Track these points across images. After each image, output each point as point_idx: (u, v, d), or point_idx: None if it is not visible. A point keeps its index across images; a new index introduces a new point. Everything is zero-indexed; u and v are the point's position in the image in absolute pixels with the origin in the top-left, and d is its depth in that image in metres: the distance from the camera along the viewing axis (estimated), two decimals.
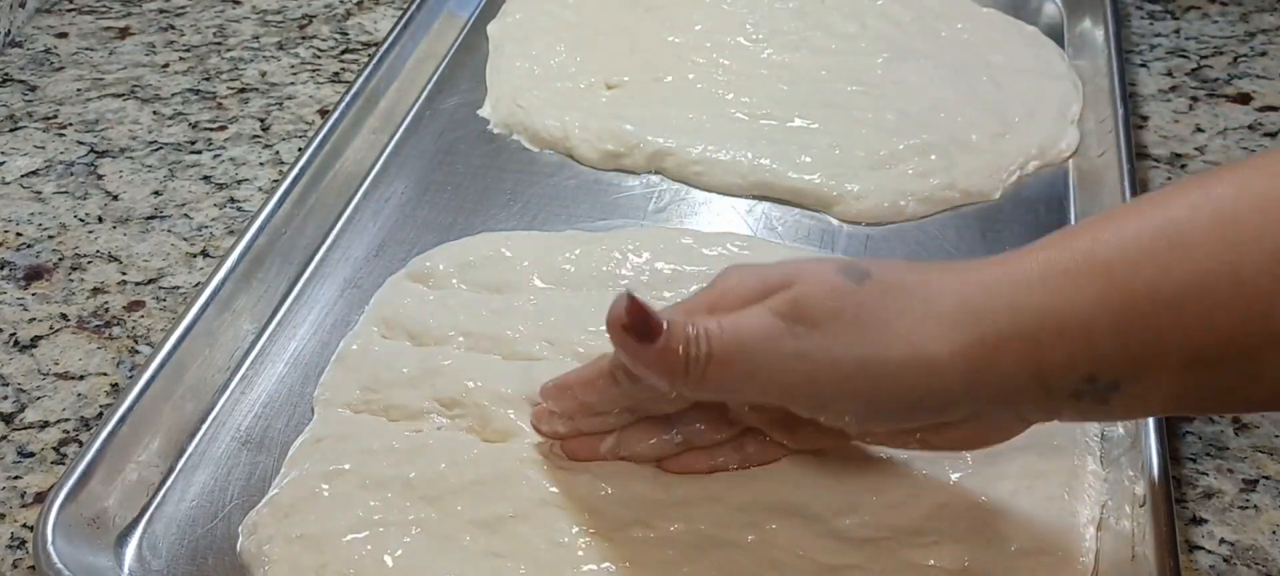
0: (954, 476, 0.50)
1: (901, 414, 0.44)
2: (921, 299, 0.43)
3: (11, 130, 0.77)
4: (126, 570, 0.49)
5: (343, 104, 0.71)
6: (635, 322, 0.43)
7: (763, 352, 0.43)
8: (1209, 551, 0.50)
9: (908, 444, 0.47)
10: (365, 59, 0.80)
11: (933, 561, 0.47)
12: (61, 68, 0.83)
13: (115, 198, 0.71)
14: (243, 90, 0.81)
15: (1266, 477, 0.53)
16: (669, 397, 0.48)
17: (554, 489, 0.50)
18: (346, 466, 0.51)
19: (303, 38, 0.87)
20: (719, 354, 0.43)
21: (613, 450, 0.50)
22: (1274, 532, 0.51)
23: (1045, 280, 0.41)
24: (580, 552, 0.48)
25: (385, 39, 0.78)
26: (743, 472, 0.50)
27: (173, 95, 0.80)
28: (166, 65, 0.84)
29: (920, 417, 0.44)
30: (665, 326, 0.43)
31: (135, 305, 0.63)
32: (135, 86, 0.81)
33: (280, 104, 0.79)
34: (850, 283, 0.43)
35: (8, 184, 0.72)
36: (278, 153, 0.75)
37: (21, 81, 0.82)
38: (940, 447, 0.47)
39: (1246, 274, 0.39)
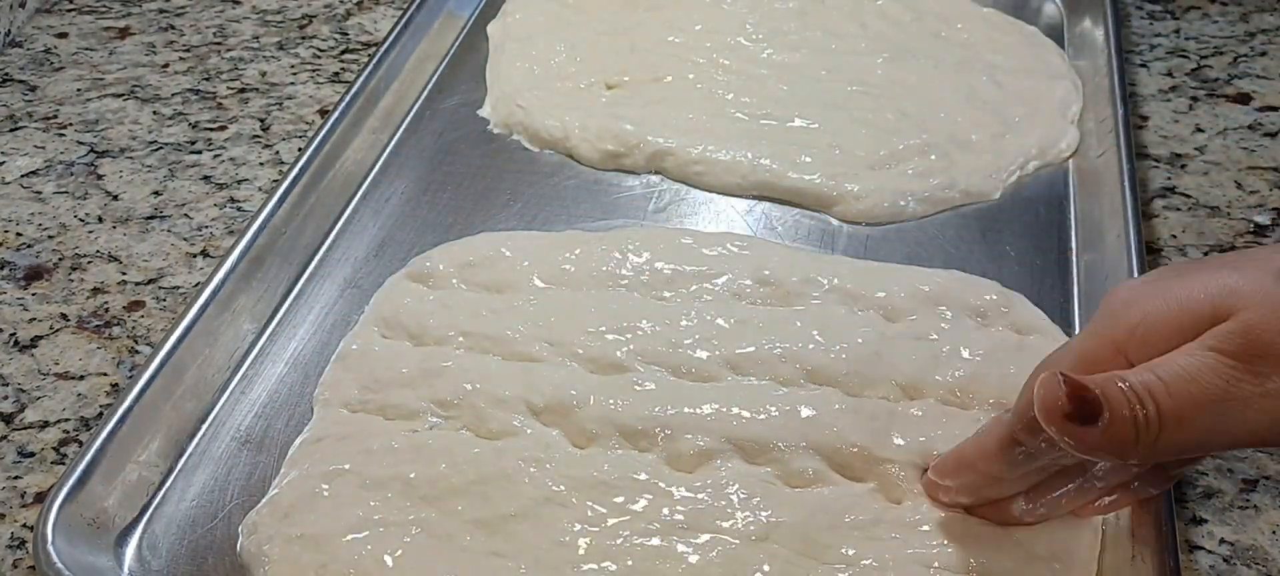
0: None
1: None
2: None
3: (11, 130, 0.77)
4: (126, 570, 0.49)
5: (343, 104, 0.71)
6: (1077, 407, 0.39)
7: (1224, 405, 0.38)
8: (1209, 551, 0.50)
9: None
10: (365, 59, 0.80)
11: (938, 563, 0.47)
12: (61, 68, 0.83)
13: (115, 198, 0.71)
14: (243, 90, 0.81)
15: (1266, 477, 0.53)
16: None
17: (555, 488, 0.50)
18: (346, 466, 0.51)
19: (303, 38, 0.87)
20: (1171, 417, 0.38)
21: (1028, 514, 0.47)
22: (1274, 532, 0.51)
23: None
24: (580, 552, 0.48)
25: (385, 39, 0.78)
26: (766, 493, 0.50)
27: (173, 95, 0.80)
28: (166, 65, 0.84)
29: None
30: (1103, 400, 0.39)
31: (135, 305, 0.63)
32: (135, 86, 0.81)
33: (280, 104, 0.79)
34: None
35: (8, 184, 0.72)
36: (278, 153, 0.75)
37: (21, 81, 0.82)
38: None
39: None
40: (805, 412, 0.52)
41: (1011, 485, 0.47)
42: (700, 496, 0.50)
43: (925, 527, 0.49)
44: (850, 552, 0.48)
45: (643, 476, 0.50)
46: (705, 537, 0.48)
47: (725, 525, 0.49)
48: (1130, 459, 0.40)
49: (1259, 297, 0.38)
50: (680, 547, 0.48)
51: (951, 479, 0.48)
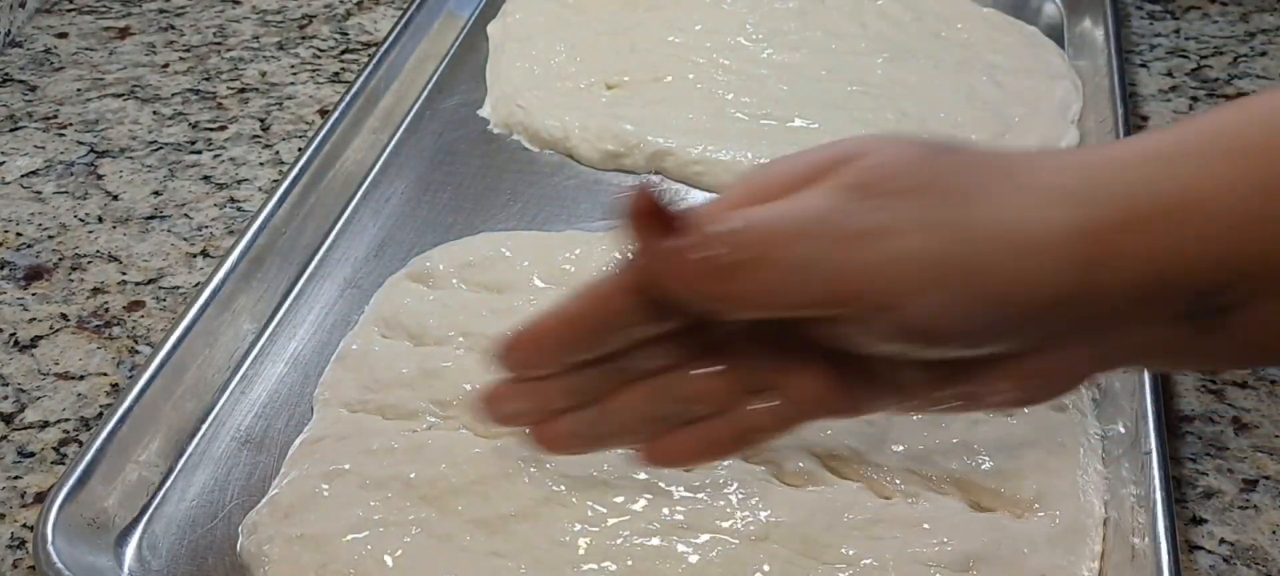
0: (981, 468, 0.51)
1: (991, 316, 0.34)
2: (1021, 172, 0.35)
3: (11, 130, 0.77)
4: (126, 570, 0.49)
5: (343, 104, 0.71)
6: (650, 210, 0.35)
7: (823, 236, 0.34)
8: (1209, 551, 0.50)
9: (954, 397, 0.38)
10: (365, 59, 0.80)
11: (938, 561, 0.47)
12: (61, 68, 0.83)
13: (115, 198, 0.71)
14: (243, 90, 0.81)
15: (1266, 477, 0.53)
16: (661, 342, 0.38)
17: (555, 488, 0.50)
18: (346, 466, 0.51)
19: (303, 38, 0.87)
20: (768, 240, 0.34)
21: (585, 430, 0.39)
22: (1274, 532, 0.51)
23: (1171, 158, 0.34)
24: (580, 552, 0.48)
25: (385, 39, 0.78)
26: (765, 492, 0.50)
27: (173, 95, 0.80)
28: (166, 65, 0.84)
29: (1008, 328, 0.35)
30: (694, 217, 0.34)
31: (135, 305, 0.63)
32: (135, 86, 0.81)
33: (280, 104, 0.79)
34: (929, 150, 0.35)
35: (8, 184, 0.72)
36: (278, 153, 0.75)
37: (21, 81, 0.82)
38: (989, 401, 0.38)
39: None
40: None
41: (575, 385, 0.39)
42: (699, 496, 0.50)
43: (927, 526, 0.49)
44: (850, 552, 0.48)
45: (642, 476, 0.50)
46: (705, 537, 0.48)
47: (724, 525, 0.49)
48: (719, 288, 0.35)
49: (887, 147, 0.36)
50: (680, 547, 0.48)
51: (522, 361, 0.39)
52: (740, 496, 0.49)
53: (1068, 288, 0.34)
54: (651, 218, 0.35)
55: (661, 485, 0.50)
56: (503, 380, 0.40)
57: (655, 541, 0.48)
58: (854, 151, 0.36)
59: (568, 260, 0.61)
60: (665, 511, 0.49)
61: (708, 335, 0.38)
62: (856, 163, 0.35)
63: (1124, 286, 0.34)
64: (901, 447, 0.51)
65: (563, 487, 0.50)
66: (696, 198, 0.69)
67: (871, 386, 0.38)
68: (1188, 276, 0.34)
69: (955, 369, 0.36)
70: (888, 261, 0.34)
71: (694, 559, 0.47)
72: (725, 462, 0.51)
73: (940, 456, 0.51)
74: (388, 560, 0.47)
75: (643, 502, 0.49)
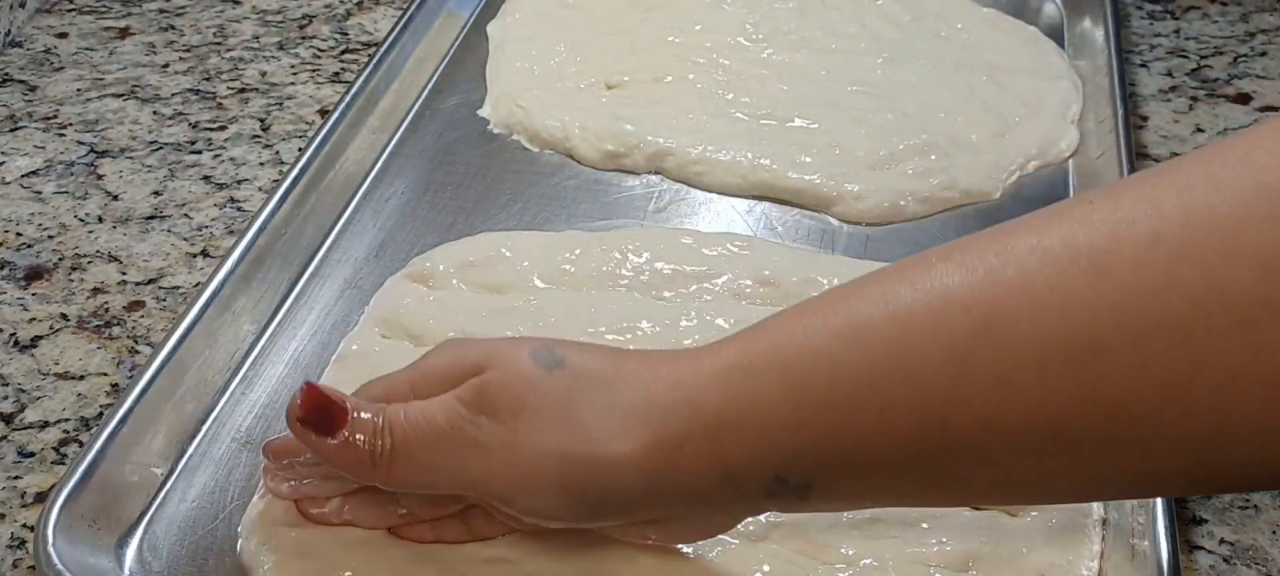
0: None
1: (587, 511, 0.42)
2: (612, 392, 0.41)
3: (11, 130, 0.77)
4: (127, 570, 0.49)
5: (343, 104, 0.71)
6: (312, 415, 0.43)
7: (443, 444, 0.42)
8: (1209, 551, 0.50)
9: (633, 538, 0.46)
10: (365, 59, 0.80)
11: (937, 562, 0.47)
12: (61, 68, 0.83)
13: (115, 198, 0.71)
14: (243, 90, 0.81)
15: None
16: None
17: None
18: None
19: (303, 38, 0.87)
20: (402, 446, 0.42)
21: (337, 513, 0.48)
22: (1274, 532, 0.51)
23: (727, 376, 0.39)
24: (583, 553, 0.48)
25: (385, 39, 0.78)
26: None
27: (173, 95, 0.80)
28: (166, 65, 0.84)
29: (609, 516, 0.42)
30: (350, 417, 0.42)
31: (135, 305, 0.63)
32: (135, 86, 0.81)
33: (280, 104, 0.79)
34: (540, 370, 0.41)
35: (8, 184, 0.72)
36: (278, 153, 0.75)
37: (21, 81, 0.82)
38: (664, 541, 0.46)
39: (919, 371, 0.36)
40: None
41: (333, 487, 0.48)
42: None
43: (925, 525, 0.49)
44: (849, 551, 0.48)
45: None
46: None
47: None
48: (368, 476, 0.43)
49: (507, 361, 0.42)
50: (682, 547, 0.48)
51: (274, 461, 0.49)
52: None
53: (637, 492, 0.41)
54: (313, 415, 0.43)
55: None
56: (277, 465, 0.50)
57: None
58: (485, 361, 0.43)
59: (568, 260, 0.61)
60: None
61: None
62: (481, 377, 0.42)
63: (692, 487, 0.40)
64: None
65: None
66: (696, 198, 0.69)
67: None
68: (746, 476, 0.40)
69: (603, 527, 0.44)
70: (499, 469, 0.42)
71: (694, 559, 0.47)
72: None
73: None
74: (388, 563, 0.47)
75: None
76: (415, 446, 0.42)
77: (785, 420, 0.38)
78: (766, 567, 0.47)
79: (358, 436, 0.42)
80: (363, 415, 0.43)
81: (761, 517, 0.49)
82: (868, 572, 0.47)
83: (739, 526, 0.48)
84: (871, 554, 0.48)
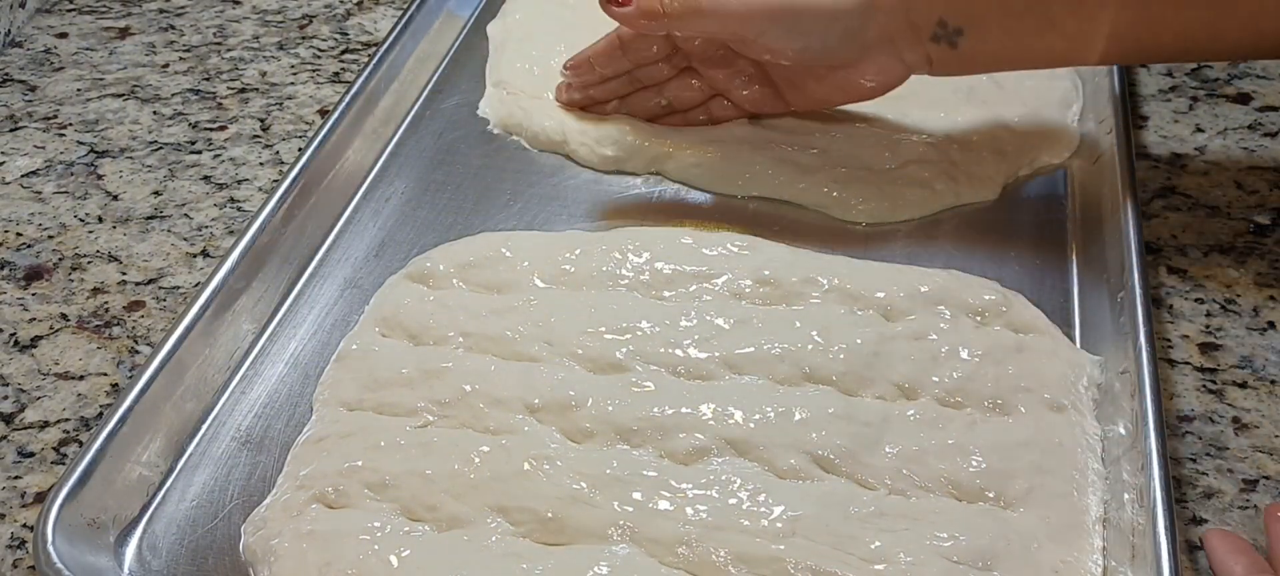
0: (969, 469, 0.51)
1: (817, 37, 0.63)
2: None
3: (11, 130, 0.77)
4: (127, 570, 0.49)
5: (343, 104, 0.71)
6: None
7: None
8: None
9: (830, 92, 0.68)
10: (365, 59, 0.80)
11: (957, 556, 0.47)
12: (61, 68, 0.83)
13: (115, 198, 0.71)
14: (243, 90, 0.81)
15: (1266, 477, 0.53)
16: (658, 61, 0.70)
17: (576, 486, 0.50)
18: (357, 464, 0.51)
19: (303, 38, 0.87)
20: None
21: (617, 109, 0.71)
22: None
23: None
24: (587, 551, 0.48)
25: (385, 39, 0.78)
26: (769, 487, 0.50)
27: (173, 95, 0.81)
28: (166, 65, 0.84)
29: (831, 42, 0.63)
30: None
31: (135, 305, 0.63)
32: (135, 86, 0.81)
33: (280, 104, 0.79)
34: None
35: (8, 184, 0.72)
36: (278, 153, 0.75)
37: (21, 81, 0.82)
38: (852, 94, 0.67)
39: None
40: (798, 415, 0.52)
41: (611, 88, 0.72)
42: (711, 492, 0.50)
43: (922, 521, 0.49)
44: (876, 545, 0.48)
45: (653, 473, 0.50)
46: (734, 536, 0.48)
47: (746, 523, 0.48)
48: (660, 23, 0.64)
49: None
50: (711, 546, 0.48)
51: (574, 75, 0.71)
52: (748, 490, 0.50)
53: (855, 22, 0.63)
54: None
55: (672, 482, 0.50)
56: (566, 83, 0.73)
57: (680, 536, 0.48)
58: None
59: (568, 260, 0.61)
60: (689, 511, 0.49)
61: (685, 60, 0.71)
62: None
63: (882, 24, 0.63)
64: (892, 450, 0.51)
65: (584, 486, 0.50)
66: (696, 198, 0.69)
67: (785, 87, 0.69)
68: (926, 14, 0.62)
69: (819, 71, 0.67)
70: (748, 11, 0.63)
71: (723, 553, 0.47)
72: (720, 459, 0.51)
73: (933, 458, 0.51)
74: (393, 560, 0.47)
75: (665, 503, 0.49)
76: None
77: None
78: (810, 562, 0.47)
79: None
80: None
81: (775, 511, 0.49)
82: (899, 566, 0.47)
83: (764, 524, 0.48)
84: (901, 548, 0.47)
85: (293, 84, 0.82)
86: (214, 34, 0.88)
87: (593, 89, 0.72)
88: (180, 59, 0.85)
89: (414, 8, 0.82)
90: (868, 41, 0.64)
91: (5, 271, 0.65)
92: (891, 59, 0.65)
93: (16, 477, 0.54)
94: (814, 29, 0.63)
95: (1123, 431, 0.52)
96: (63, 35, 0.87)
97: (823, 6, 0.62)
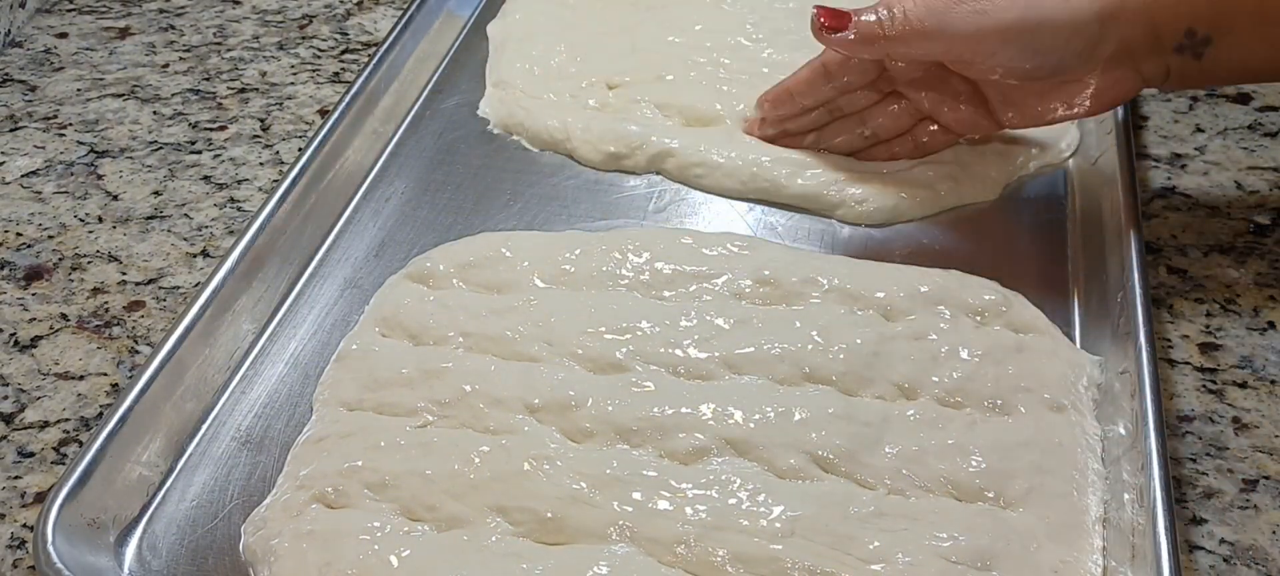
0: (969, 469, 0.51)
1: (1054, 54, 0.58)
2: None
3: (11, 130, 0.77)
4: (126, 570, 0.49)
5: (343, 104, 0.71)
6: (830, 20, 0.60)
7: (947, 13, 0.58)
8: (1209, 551, 0.50)
9: (1052, 108, 0.62)
10: (365, 59, 0.80)
11: (955, 556, 0.47)
12: (61, 68, 0.83)
13: (115, 198, 0.71)
14: (243, 90, 0.81)
15: (1266, 477, 0.53)
16: (863, 89, 0.66)
17: (576, 486, 0.50)
18: (357, 464, 0.51)
19: (303, 38, 0.87)
20: (914, 17, 0.58)
21: (815, 143, 0.68)
22: (1274, 532, 0.51)
23: None
24: (586, 551, 0.48)
25: (385, 39, 0.78)
26: (769, 487, 0.50)
27: (173, 95, 0.81)
28: (166, 65, 0.84)
29: (1068, 58, 0.59)
30: (851, 14, 0.60)
31: (135, 305, 0.63)
32: (135, 86, 0.81)
33: (280, 104, 0.79)
34: None
35: (8, 184, 0.72)
36: (278, 153, 0.75)
37: (21, 81, 0.82)
38: (1078, 110, 0.62)
39: None
40: (798, 415, 0.52)
41: (809, 120, 0.68)
42: (710, 492, 0.50)
43: (922, 520, 0.49)
44: (875, 546, 0.48)
45: (652, 473, 0.50)
46: (733, 536, 0.48)
47: (745, 523, 0.48)
48: (881, 46, 0.60)
49: None
50: (711, 546, 0.48)
51: (772, 109, 0.68)
52: (748, 490, 0.50)
53: (1095, 36, 0.58)
54: (831, 19, 0.60)
55: (672, 482, 0.50)
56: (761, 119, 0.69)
57: (679, 536, 0.48)
58: None
59: (568, 260, 0.61)
60: (689, 511, 0.49)
61: (889, 84, 0.66)
62: None
63: (1128, 35, 0.58)
64: (892, 450, 0.51)
65: (583, 485, 0.50)
66: (696, 198, 0.69)
67: (1001, 105, 0.64)
68: (1173, 23, 0.58)
69: (1045, 87, 0.61)
70: (980, 30, 0.58)
71: (722, 554, 0.47)
72: (720, 459, 0.51)
73: (933, 458, 0.51)
74: (393, 560, 0.47)
75: (664, 503, 0.49)
76: (924, 16, 0.58)
77: None
78: (806, 562, 0.47)
79: (867, 16, 0.59)
80: (866, 9, 0.60)
81: (776, 511, 0.49)
82: (896, 566, 0.47)
83: (764, 524, 0.48)
84: (898, 547, 0.47)
85: (293, 84, 0.82)
86: (214, 34, 0.88)
87: (790, 122, 0.68)
88: (180, 59, 0.85)
89: (414, 8, 0.82)
90: (1106, 54, 0.59)
91: (5, 271, 0.65)
92: (1128, 71, 0.59)
93: (16, 477, 0.54)
94: (1052, 45, 0.58)
95: (1123, 431, 0.52)
96: (63, 35, 0.87)
97: (1060, 20, 0.57)
